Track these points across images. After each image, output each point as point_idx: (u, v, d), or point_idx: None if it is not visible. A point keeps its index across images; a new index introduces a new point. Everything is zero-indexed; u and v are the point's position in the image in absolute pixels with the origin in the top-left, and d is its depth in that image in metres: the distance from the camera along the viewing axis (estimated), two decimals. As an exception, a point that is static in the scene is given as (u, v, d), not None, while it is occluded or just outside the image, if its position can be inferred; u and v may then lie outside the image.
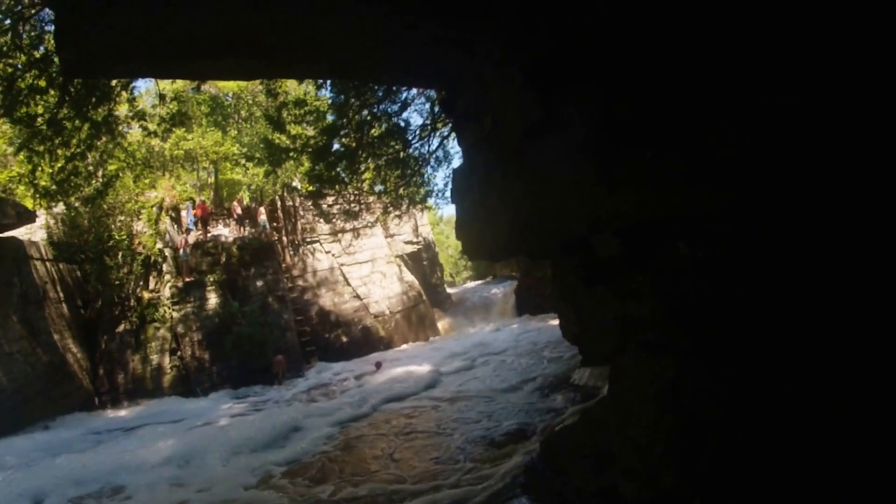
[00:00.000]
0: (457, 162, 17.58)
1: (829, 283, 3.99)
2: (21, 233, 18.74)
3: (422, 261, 35.11)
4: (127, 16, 5.15)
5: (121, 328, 20.39)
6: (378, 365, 18.66)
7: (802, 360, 4.19)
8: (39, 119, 11.74)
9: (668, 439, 5.15)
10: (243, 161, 25.56)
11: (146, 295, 21.01)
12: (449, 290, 40.14)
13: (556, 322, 13.94)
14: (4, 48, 10.92)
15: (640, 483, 5.20)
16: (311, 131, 16.49)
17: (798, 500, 4.11)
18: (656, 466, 5.15)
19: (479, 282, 45.83)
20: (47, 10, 10.80)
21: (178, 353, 20.44)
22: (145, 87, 26.69)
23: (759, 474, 4.39)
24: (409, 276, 29.27)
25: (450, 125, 14.85)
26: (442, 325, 30.47)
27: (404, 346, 25.71)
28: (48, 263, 19.17)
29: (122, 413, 18.25)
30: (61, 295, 19.36)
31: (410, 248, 33.67)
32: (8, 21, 10.97)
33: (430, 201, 23.08)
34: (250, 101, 28.97)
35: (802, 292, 4.16)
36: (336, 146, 15.26)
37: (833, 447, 3.95)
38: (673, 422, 5.16)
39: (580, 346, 11.62)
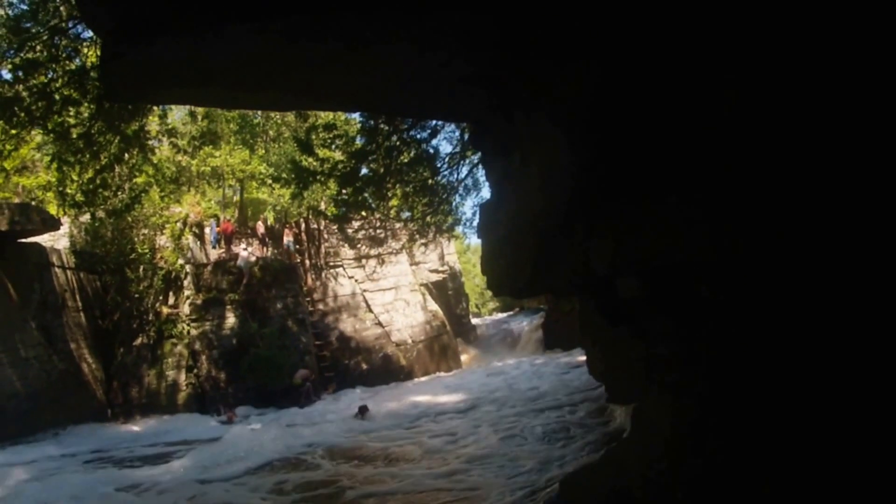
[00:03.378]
0: (486, 191, 17.82)
1: (853, 330, 4.11)
2: (44, 239, 19.30)
3: (447, 290, 35.19)
4: (171, 46, 5.53)
5: (138, 341, 20.85)
6: (363, 410, 16.56)
7: (826, 409, 4.30)
8: (73, 130, 12.18)
9: (689, 483, 5.28)
10: (269, 181, 26.01)
11: (165, 310, 21.45)
12: (474, 321, 40.16)
13: (583, 358, 14.06)
14: (41, 59, 11.39)
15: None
16: (339, 155, 16.84)
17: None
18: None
19: (506, 314, 45.75)
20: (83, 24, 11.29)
21: (195, 370, 20.79)
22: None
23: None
24: (434, 306, 29.38)
25: (479, 154, 15.10)
26: (465, 357, 30.47)
27: (423, 378, 25.78)
28: (69, 272, 19.72)
29: (135, 428, 18.58)
30: (80, 304, 19.90)
31: (436, 277, 33.72)
32: (45, 33, 11.47)
33: (458, 230, 23.33)
34: (279, 122, 29.54)
35: (825, 339, 4.28)
36: (364, 171, 15.52)
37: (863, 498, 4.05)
38: (694, 465, 5.29)
39: (606, 385, 11.75)
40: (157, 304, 21.61)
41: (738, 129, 4.32)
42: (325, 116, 20.78)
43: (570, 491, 6.76)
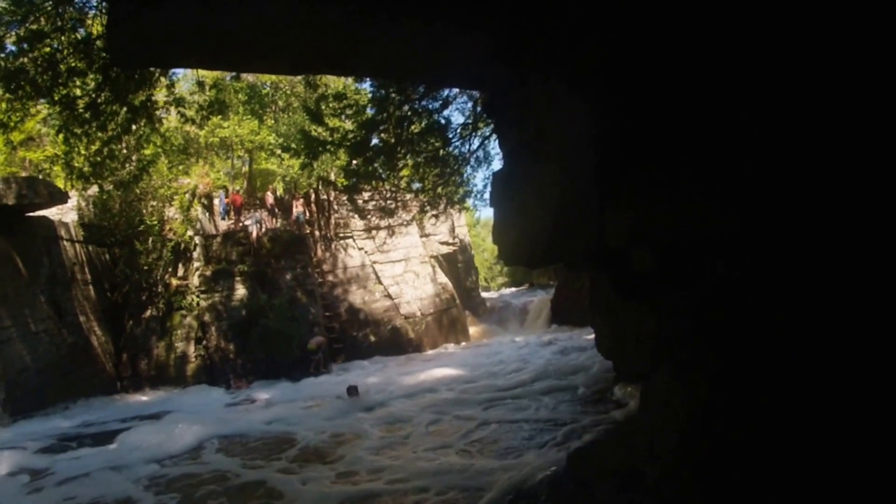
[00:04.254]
0: (497, 163, 17.68)
1: (873, 313, 4.05)
2: (52, 213, 19.35)
3: (457, 263, 35.20)
4: (179, 9, 5.45)
5: (147, 314, 20.99)
6: (352, 391, 15.04)
7: (841, 394, 4.25)
8: (79, 101, 12.11)
9: (697, 462, 5.26)
10: (279, 152, 25.95)
11: (174, 282, 21.56)
12: (483, 295, 40.18)
13: (592, 336, 14.02)
14: (46, 30, 11.30)
15: (665, 504, 5.32)
16: (349, 125, 16.74)
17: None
18: (683, 489, 5.26)
19: (516, 289, 45.75)
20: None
21: (204, 342, 20.94)
22: (183, 73, 27.25)
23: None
24: (443, 278, 29.39)
25: (492, 125, 14.99)
26: (474, 330, 30.51)
27: (431, 351, 25.88)
28: (78, 245, 19.80)
29: (144, 398, 18.82)
30: (89, 277, 20.01)
31: (446, 250, 33.74)
32: (50, 3, 11.35)
33: (469, 202, 23.22)
34: (288, 92, 29.41)
35: (843, 321, 4.23)
36: (374, 141, 15.45)
37: (874, 488, 4.01)
38: (703, 444, 5.26)
39: (614, 362, 11.72)
40: (167, 276, 21.69)
41: (760, 101, 4.23)
42: (334, 86, 20.64)
43: (577, 466, 6.75)
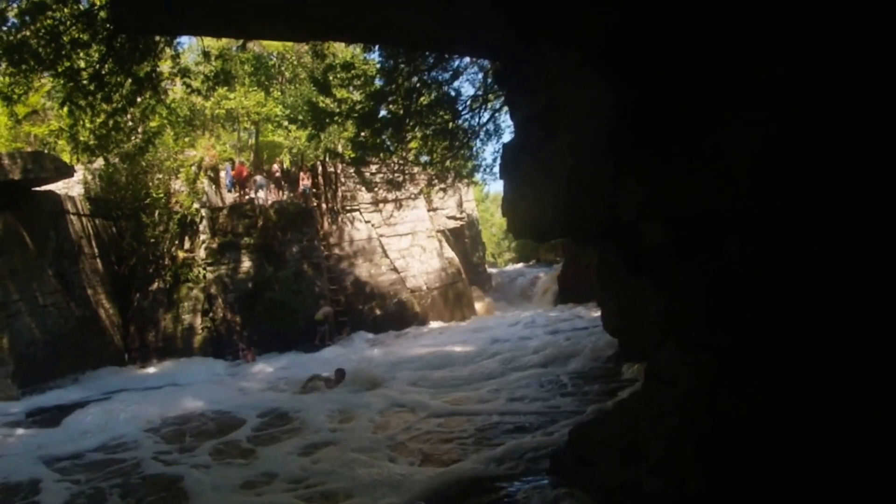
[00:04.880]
0: (507, 137, 17.58)
1: (886, 299, 4.01)
2: (58, 187, 19.41)
3: (464, 238, 35.16)
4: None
5: (154, 286, 21.09)
6: (339, 375, 14.06)
7: (847, 376, 4.22)
8: (83, 73, 12.03)
9: (700, 439, 5.25)
10: (286, 123, 25.83)
11: (181, 254, 21.61)
12: (490, 271, 40.19)
13: (598, 313, 13.98)
14: (48, 1, 11.17)
15: (667, 481, 5.31)
16: (357, 96, 16.63)
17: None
18: (684, 466, 5.25)
19: (522, 265, 45.71)
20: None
21: (210, 314, 21.02)
22: (188, 44, 27.12)
23: (787, 493, 4.46)
24: (450, 253, 29.38)
25: (502, 98, 14.86)
26: (479, 305, 30.53)
27: (436, 325, 26.00)
28: (84, 218, 19.86)
29: (151, 370, 19.00)
30: (96, 250, 20.09)
31: (453, 224, 33.68)
32: None
33: (477, 176, 23.18)
34: (295, 62, 29.21)
35: (855, 301, 4.18)
36: (383, 113, 15.37)
37: (875, 469, 3.99)
38: (706, 422, 5.25)
39: (620, 339, 11.70)
40: (173, 249, 21.74)
41: (777, 74, 4.15)
42: (342, 56, 20.47)
43: (579, 441, 6.75)
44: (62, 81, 12.23)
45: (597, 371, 12.26)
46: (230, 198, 24.77)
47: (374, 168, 21.99)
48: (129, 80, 12.20)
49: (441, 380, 13.71)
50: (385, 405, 11.65)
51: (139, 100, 13.19)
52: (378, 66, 16.08)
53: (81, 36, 11.47)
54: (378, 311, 25.44)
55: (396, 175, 19.94)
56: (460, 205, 34.51)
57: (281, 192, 25.85)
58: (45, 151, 21.64)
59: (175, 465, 9.22)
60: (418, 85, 14.77)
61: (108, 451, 10.25)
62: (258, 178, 25.16)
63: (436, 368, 15.17)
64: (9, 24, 11.57)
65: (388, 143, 15.82)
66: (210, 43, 16.10)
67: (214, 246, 21.91)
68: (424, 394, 12.29)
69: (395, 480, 7.53)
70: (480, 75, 16.22)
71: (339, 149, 23.97)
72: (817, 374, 4.40)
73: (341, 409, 11.65)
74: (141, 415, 12.31)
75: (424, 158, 19.35)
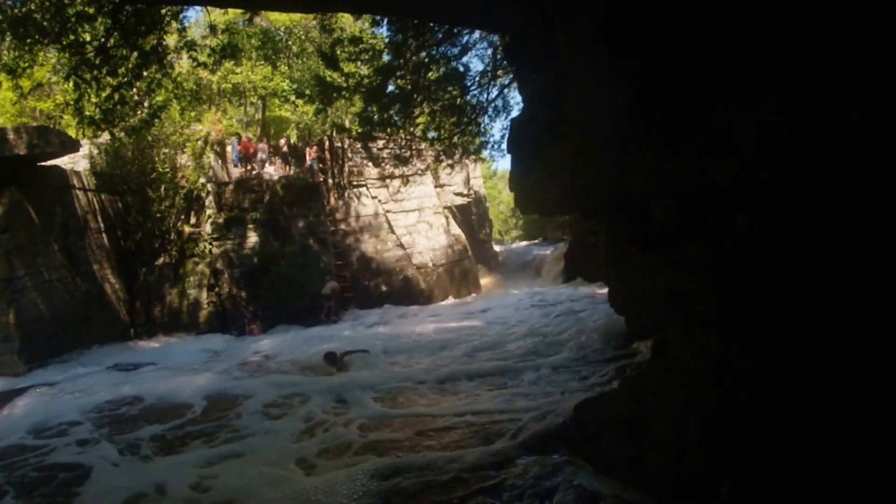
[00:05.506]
0: (515, 114, 17.45)
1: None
2: (64, 162, 19.38)
3: (471, 214, 35.13)
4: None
5: (160, 261, 21.18)
6: (330, 358, 13.16)
7: (856, 356, 4.21)
8: (88, 47, 11.98)
9: (705, 418, 5.27)
10: (293, 98, 25.78)
11: (187, 229, 21.67)
12: (496, 248, 40.19)
13: (605, 290, 13.99)
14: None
15: (671, 458, 5.34)
16: (365, 70, 16.56)
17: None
18: (689, 444, 5.28)
19: (529, 242, 45.69)
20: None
21: (216, 289, 21.12)
22: (195, 18, 27.00)
23: (793, 470, 4.47)
24: (457, 230, 29.37)
25: (511, 74, 14.79)
26: (485, 282, 30.62)
27: (443, 303, 26.09)
28: (90, 193, 19.88)
29: (156, 345, 19.12)
30: (102, 225, 20.13)
31: (460, 201, 33.60)
32: None
33: (485, 153, 23.11)
34: (303, 37, 29.08)
35: (864, 281, 4.16)
36: (391, 88, 15.32)
37: (882, 448, 4.00)
38: (712, 400, 5.27)
39: (627, 317, 11.71)
40: (179, 224, 21.79)
41: (794, 44, 4.11)
42: (350, 30, 20.37)
43: (585, 417, 6.80)
44: (67, 55, 12.16)
45: (602, 348, 12.28)
46: (236, 172, 24.79)
47: (381, 143, 21.95)
48: (135, 54, 12.15)
49: (441, 357, 13.70)
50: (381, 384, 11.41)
51: (145, 73, 13.13)
52: (386, 40, 16.01)
53: (87, 9, 11.38)
54: (384, 288, 25.53)
55: (404, 151, 19.88)
56: (467, 181, 34.42)
57: (287, 168, 25.83)
58: (51, 126, 21.64)
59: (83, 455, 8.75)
60: (427, 60, 14.70)
61: (37, 437, 9.80)
62: (261, 145, 25.19)
63: (438, 346, 15.13)
64: (12, -2, 11.55)
65: (396, 118, 15.76)
66: (217, 16, 16.00)
67: (220, 221, 21.98)
68: (420, 374, 12.04)
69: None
70: (490, 51, 16.14)
71: (347, 124, 23.91)
72: (825, 353, 4.39)
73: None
74: (90, 399, 11.89)
75: (432, 134, 19.27)
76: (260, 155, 24.92)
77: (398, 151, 20.10)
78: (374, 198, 26.91)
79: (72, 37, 11.59)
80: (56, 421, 10.42)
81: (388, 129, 16.64)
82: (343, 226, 25.94)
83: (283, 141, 27.00)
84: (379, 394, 10.83)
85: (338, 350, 13.85)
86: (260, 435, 9.05)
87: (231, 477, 7.34)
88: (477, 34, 14.79)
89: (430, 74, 15.19)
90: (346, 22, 22.14)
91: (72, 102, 14.01)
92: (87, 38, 12.12)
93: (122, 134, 17.15)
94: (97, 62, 11.85)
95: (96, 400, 11.70)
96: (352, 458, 7.66)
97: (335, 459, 7.75)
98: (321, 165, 25.92)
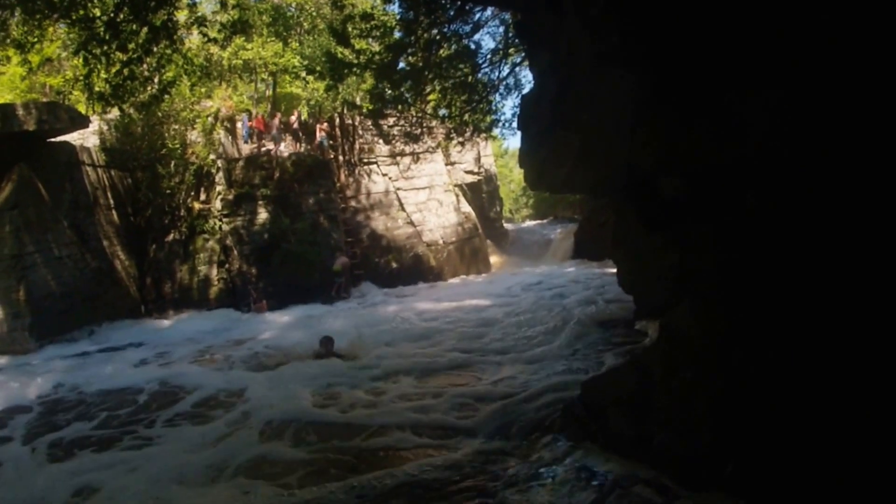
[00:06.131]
0: (527, 91, 17.37)
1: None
2: (74, 138, 19.43)
3: (481, 193, 35.06)
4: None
5: (170, 237, 21.27)
6: (326, 344, 12.19)
7: (865, 337, 4.20)
8: (98, 21, 11.95)
9: (712, 397, 5.29)
10: (303, 74, 25.71)
11: (197, 206, 21.73)
12: (507, 227, 40.15)
13: (614, 270, 13.99)
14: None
15: (676, 437, 5.37)
16: (376, 47, 16.50)
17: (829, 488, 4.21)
18: (695, 423, 5.30)
19: (539, 221, 45.61)
20: None
21: (226, 265, 21.22)
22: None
23: (797, 451, 4.48)
24: (467, 208, 29.33)
25: (522, 52, 14.72)
26: (495, 261, 30.63)
27: (452, 280, 26.15)
28: (100, 170, 19.96)
29: (167, 322, 19.25)
30: (112, 202, 20.24)
31: (471, 179, 33.58)
32: None
33: (496, 131, 23.04)
34: (314, 13, 28.95)
35: (874, 261, 4.15)
36: (402, 64, 15.27)
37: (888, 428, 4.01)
38: (718, 379, 5.29)
39: (634, 296, 11.72)
40: (189, 200, 21.85)
41: (806, 21, 4.09)
42: (361, 6, 20.28)
43: (591, 395, 6.82)
44: (76, 30, 12.15)
45: (610, 327, 12.31)
46: (247, 149, 24.80)
47: (391, 121, 21.89)
48: (145, 29, 12.08)
49: (448, 337, 13.72)
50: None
51: (155, 49, 13.10)
52: (397, 17, 15.92)
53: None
54: (394, 265, 25.60)
55: (414, 128, 19.83)
56: (478, 159, 34.34)
57: (298, 144, 25.82)
58: (60, 102, 21.66)
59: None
60: (438, 37, 14.62)
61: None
62: (275, 121, 25.27)
63: (448, 322, 15.28)
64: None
65: (407, 95, 15.73)
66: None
67: (230, 197, 22.03)
68: (418, 361, 11.54)
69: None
70: (501, 29, 16.07)
71: (357, 101, 23.87)
72: (833, 333, 4.40)
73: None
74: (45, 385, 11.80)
75: (443, 112, 19.21)
76: (274, 131, 24.94)
77: (409, 129, 20.04)
78: (384, 175, 26.90)
79: (81, 11, 11.55)
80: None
81: (399, 107, 16.61)
82: (353, 203, 25.97)
83: (293, 117, 26.96)
84: (356, 388, 9.88)
85: (334, 334, 12.79)
86: (164, 442, 8.26)
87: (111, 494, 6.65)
88: (489, 11, 14.71)
89: (441, 52, 15.12)
90: (358, -1, 22.06)
91: (81, 78, 13.99)
92: (97, 12, 12.06)
93: (132, 110, 17.21)
94: (107, 37, 11.81)
95: (47, 388, 11.58)
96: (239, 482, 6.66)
97: (220, 483, 6.73)
98: (331, 142, 25.89)
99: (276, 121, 25.65)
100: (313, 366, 11.45)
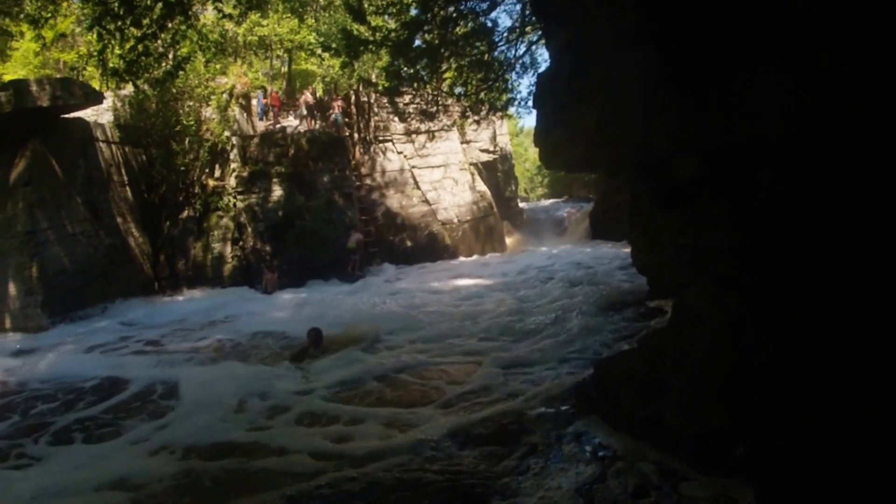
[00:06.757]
0: (543, 70, 17.20)
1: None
2: (87, 114, 19.39)
3: (496, 171, 34.98)
4: None
5: (184, 214, 21.33)
6: (315, 337, 11.10)
7: (879, 320, 4.17)
8: None
9: (723, 378, 5.29)
10: (319, 51, 25.66)
11: (211, 182, 21.76)
12: (522, 206, 40.10)
13: (628, 250, 13.96)
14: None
15: (688, 417, 5.38)
16: (392, 24, 16.43)
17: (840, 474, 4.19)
18: (707, 403, 5.31)
19: (554, 200, 45.51)
20: None
21: (240, 243, 21.28)
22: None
23: (810, 434, 4.48)
24: (482, 186, 29.32)
25: (539, 30, 14.62)
26: (510, 240, 30.64)
27: (467, 259, 26.17)
28: (114, 146, 19.97)
29: (180, 299, 19.39)
30: (126, 178, 20.27)
31: (486, 157, 33.50)
32: None
33: (512, 110, 22.90)
34: (330, -10, 28.86)
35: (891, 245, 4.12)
36: (418, 42, 15.20)
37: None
38: (731, 361, 5.28)
39: (649, 277, 11.71)
40: (203, 177, 21.88)
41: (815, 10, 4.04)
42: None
43: (604, 374, 6.84)
44: (90, 5, 12.13)
45: (623, 308, 12.29)
46: (261, 126, 24.81)
47: (407, 98, 21.79)
48: (160, 4, 12.08)
49: (459, 316, 13.71)
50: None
51: (169, 25, 13.09)
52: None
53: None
54: (408, 243, 25.67)
55: (430, 106, 19.75)
56: (494, 138, 34.21)
57: (313, 121, 25.82)
58: (74, 78, 21.69)
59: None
60: (454, 14, 14.53)
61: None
62: (304, 97, 25.37)
63: (461, 298, 15.39)
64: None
65: (423, 73, 15.66)
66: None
67: (245, 174, 22.05)
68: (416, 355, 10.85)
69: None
70: (518, 6, 15.97)
71: (373, 78, 23.81)
72: (848, 316, 4.36)
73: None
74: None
75: (459, 90, 19.13)
76: (304, 109, 24.92)
77: (424, 106, 19.95)
78: (399, 153, 26.88)
79: (94, -11, 11.59)
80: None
81: (415, 84, 16.56)
82: (368, 181, 25.98)
83: (308, 95, 26.95)
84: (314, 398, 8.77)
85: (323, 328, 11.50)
86: (45, 461, 7.30)
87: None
88: (506, -11, 14.63)
89: (457, 29, 15.02)
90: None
91: (95, 54, 14.01)
92: None
93: (146, 86, 17.19)
94: (121, 12, 11.80)
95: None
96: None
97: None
98: (346, 119, 25.86)
99: (305, 97, 25.65)
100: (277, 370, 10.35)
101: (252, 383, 9.43)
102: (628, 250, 13.84)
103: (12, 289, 15.71)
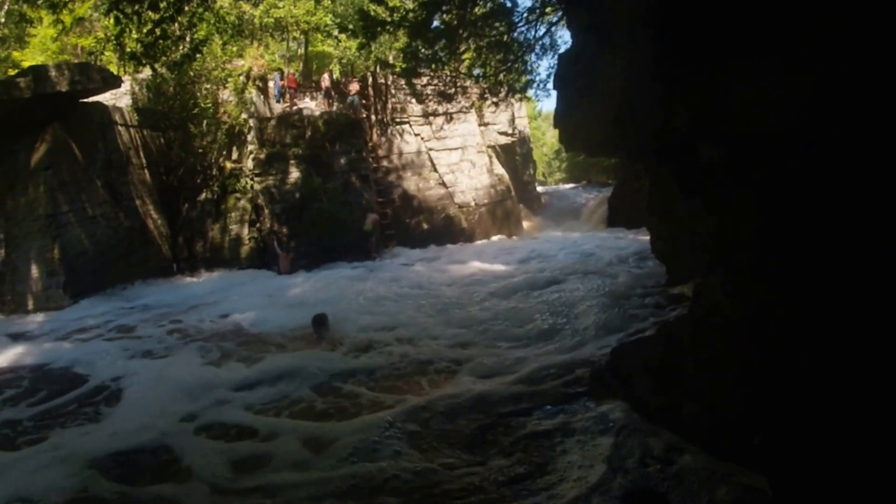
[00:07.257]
0: (563, 51, 17.03)
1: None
2: (106, 98, 19.71)
3: (514, 155, 34.80)
4: None
5: (202, 197, 21.55)
6: (319, 323, 10.91)
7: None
8: None
9: (742, 369, 5.23)
10: (335, 32, 25.58)
11: (228, 165, 21.91)
12: (539, 190, 39.92)
13: (647, 237, 13.86)
14: None
15: (705, 408, 5.34)
16: (410, 4, 16.33)
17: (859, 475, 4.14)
18: (724, 394, 5.26)
19: (572, 185, 45.28)
20: None
21: (258, 224, 21.38)
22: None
23: (827, 426, 4.42)
24: (500, 169, 29.16)
25: (560, 11, 14.47)
26: (528, 224, 30.51)
27: (482, 242, 26.11)
28: (132, 129, 20.21)
29: (198, 280, 19.63)
30: (144, 161, 20.52)
31: (504, 140, 33.29)
32: None
33: (531, 92, 22.76)
34: (347, -30, 28.71)
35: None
36: (436, 23, 15.10)
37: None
38: (749, 352, 5.22)
39: (667, 264, 11.61)
40: (221, 160, 22.07)
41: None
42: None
43: (621, 362, 6.81)
44: (107, -9, 12.14)
45: (641, 295, 12.20)
46: (278, 108, 24.81)
47: (425, 80, 21.74)
48: (177, -11, 12.13)
49: (473, 300, 13.76)
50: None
51: (186, 8, 13.09)
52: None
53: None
54: (425, 226, 25.63)
55: (448, 87, 19.69)
56: (512, 121, 33.95)
57: (330, 104, 25.79)
58: (92, 62, 21.81)
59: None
60: (473, -6, 14.44)
61: None
62: (327, 78, 25.68)
63: (474, 282, 15.40)
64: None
65: (441, 54, 15.55)
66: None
67: (262, 157, 22.11)
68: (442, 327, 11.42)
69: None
70: (539, -14, 15.77)
71: (390, 59, 23.70)
72: (871, 309, 4.29)
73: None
74: None
75: (477, 71, 19.05)
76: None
77: (442, 88, 19.92)
78: (416, 135, 26.78)
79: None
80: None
81: (433, 66, 16.47)
82: (385, 163, 25.93)
83: (325, 76, 26.88)
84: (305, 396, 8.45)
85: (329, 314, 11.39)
86: None
87: None
88: (526, -32, 14.49)
89: (476, 9, 14.91)
90: (391, -46, 21.78)
91: (113, 38, 14.05)
92: None
93: (164, 69, 17.32)
94: (138, -4, 11.85)
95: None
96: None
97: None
98: (364, 101, 25.80)
99: (327, 78, 25.66)
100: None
101: (197, 387, 8.75)
102: (647, 237, 13.75)
103: (35, 270, 16.07)
